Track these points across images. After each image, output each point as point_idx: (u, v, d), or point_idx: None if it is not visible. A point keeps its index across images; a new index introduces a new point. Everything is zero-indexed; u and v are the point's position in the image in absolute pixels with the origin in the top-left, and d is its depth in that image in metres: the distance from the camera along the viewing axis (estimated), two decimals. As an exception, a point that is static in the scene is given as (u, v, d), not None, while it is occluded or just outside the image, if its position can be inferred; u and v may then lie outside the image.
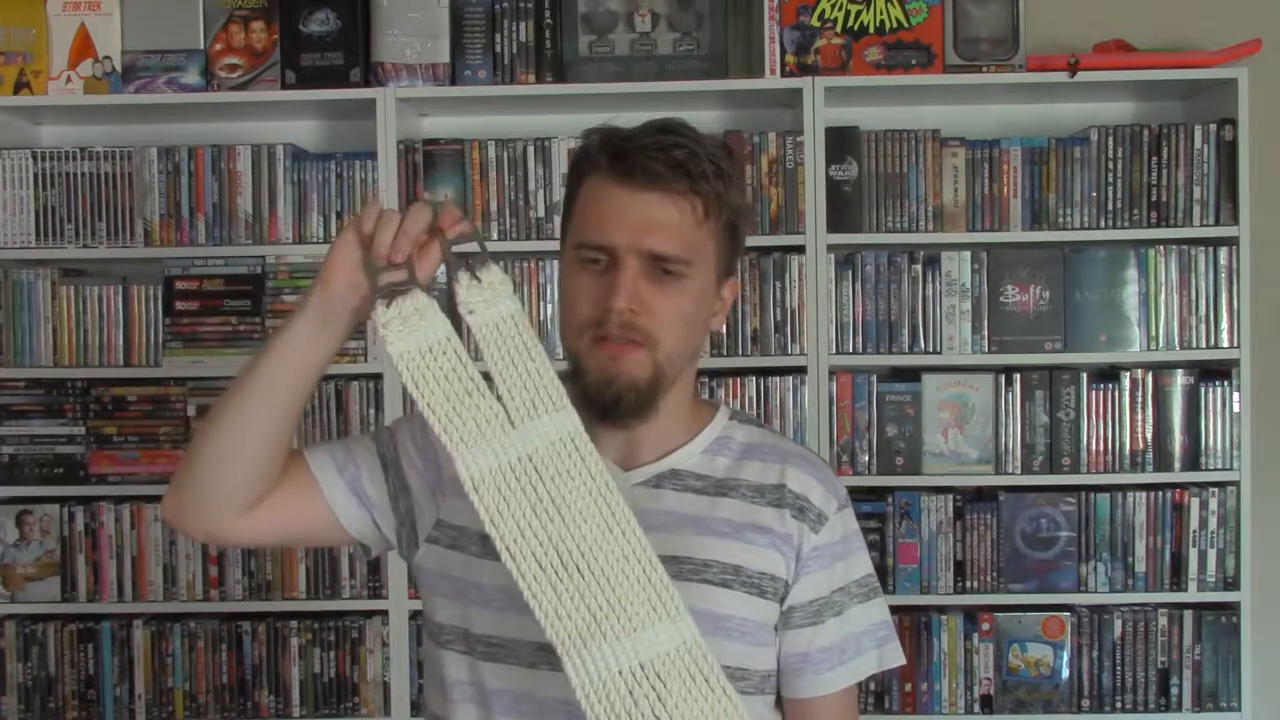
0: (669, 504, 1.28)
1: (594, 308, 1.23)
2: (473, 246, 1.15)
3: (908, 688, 2.59)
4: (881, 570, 2.55)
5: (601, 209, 1.24)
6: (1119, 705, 2.58)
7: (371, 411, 2.58)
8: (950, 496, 2.59)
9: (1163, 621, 2.58)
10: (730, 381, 2.57)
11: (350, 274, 1.15)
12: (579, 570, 1.08)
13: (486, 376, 1.13)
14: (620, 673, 1.07)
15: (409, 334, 1.12)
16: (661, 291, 1.23)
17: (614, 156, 1.24)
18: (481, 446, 1.10)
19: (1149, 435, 2.58)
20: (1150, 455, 2.58)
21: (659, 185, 1.23)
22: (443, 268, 1.15)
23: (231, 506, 1.24)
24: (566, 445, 1.11)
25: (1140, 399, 2.58)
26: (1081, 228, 2.58)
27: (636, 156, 1.23)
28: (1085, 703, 2.58)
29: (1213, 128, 2.57)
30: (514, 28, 2.60)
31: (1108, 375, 2.60)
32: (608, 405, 1.23)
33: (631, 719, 1.06)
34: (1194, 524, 2.56)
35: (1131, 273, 2.59)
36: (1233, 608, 2.57)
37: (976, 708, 2.59)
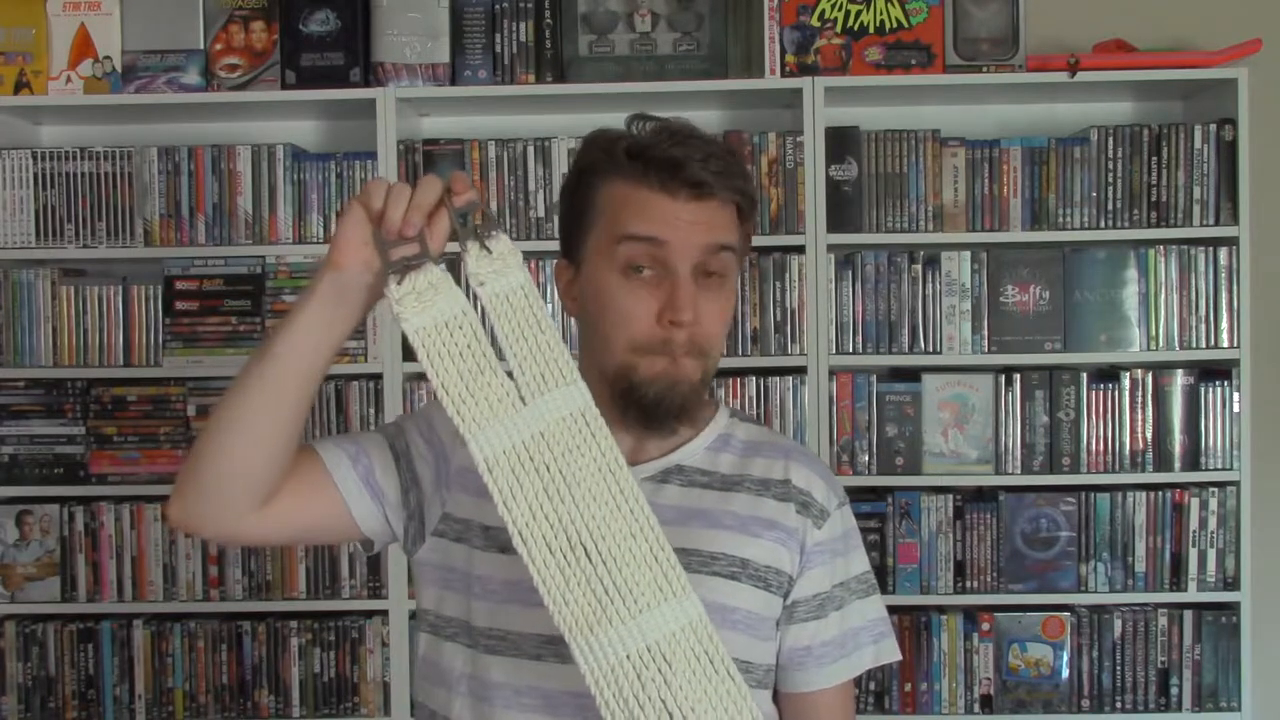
0: (675, 498, 1.29)
1: (653, 323, 1.23)
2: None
3: (908, 688, 2.59)
4: (881, 570, 2.55)
5: (651, 215, 1.23)
6: (1119, 705, 2.58)
7: (371, 411, 2.58)
8: (950, 496, 2.59)
9: (1163, 621, 2.58)
10: (730, 381, 2.56)
11: (362, 251, 1.12)
12: (586, 552, 1.08)
13: (497, 349, 1.12)
14: (629, 657, 1.07)
15: (424, 309, 1.10)
16: (709, 297, 1.25)
17: (671, 167, 1.23)
18: (495, 427, 1.09)
19: (1149, 435, 2.58)
20: (1150, 455, 2.58)
21: (709, 193, 1.24)
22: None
23: (244, 504, 1.21)
24: (577, 420, 1.11)
25: (1140, 399, 2.58)
26: (1081, 228, 2.58)
27: (694, 167, 1.23)
28: (1085, 703, 2.58)
29: (1213, 128, 2.57)
30: (514, 28, 2.60)
31: (1108, 375, 2.60)
32: (673, 412, 1.24)
33: (639, 702, 1.06)
34: (1194, 524, 2.56)
35: (1131, 273, 2.59)
36: (1233, 608, 2.57)
37: (976, 708, 2.59)
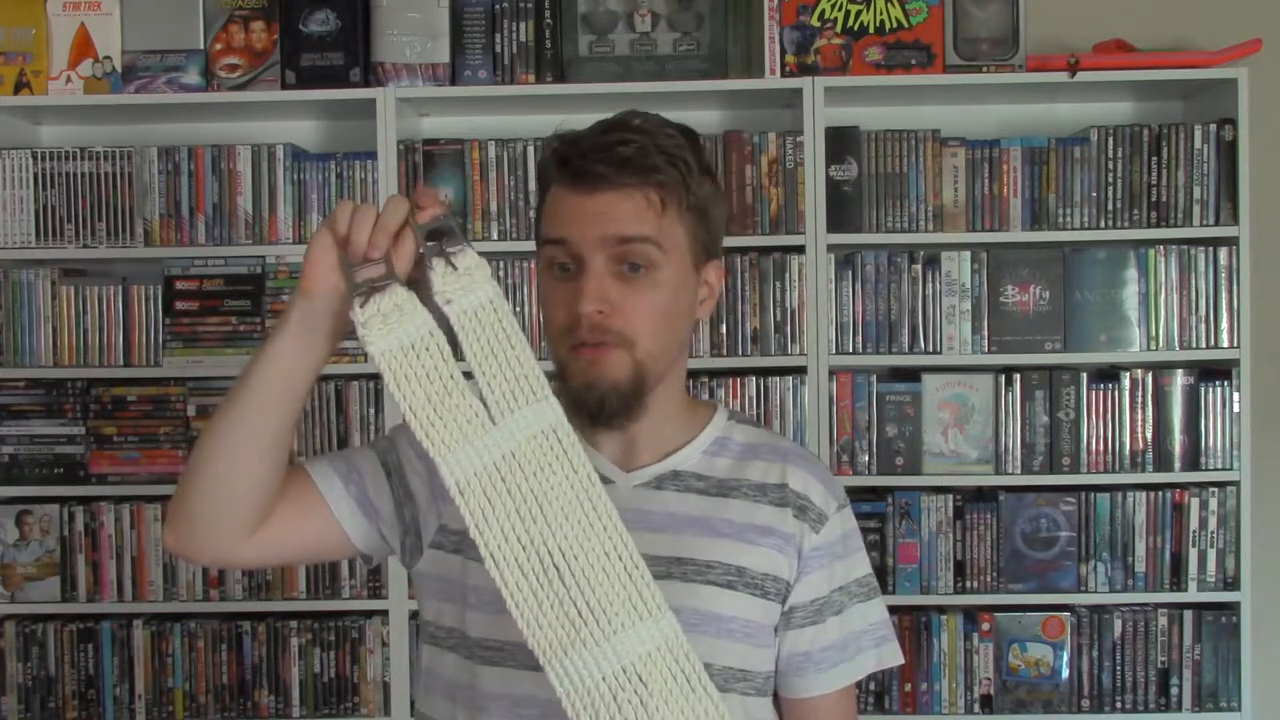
0: (671, 505, 1.28)
1: (566, 315, 1.22)
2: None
3: (908, 688, 2.59)
4: (881, 570, 2.55)
5: (559, 214, 1.24)
6: (1119, 705, 2.58)
7: (371, 411, 2.58)
8: (950, 496, 2.59)
9: (1163, 621, 2.58)
10: (730, 381, 2.56)
11: (330, 277, 1.12)
12: (559, 573, 1.07)
13: (467, 372, 1.11)
14: (604, 679, 1.06)
15: (389, 332, 1.09)
16: (631, 289, 1.22)
17: (561, 164, 1.25)
18: (464, 448, 1.08)
19: (1149, 435, 2.58)
20: (1150, 455, 2.58)
21: (608, 185, 1.22)
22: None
23: (236, 530, 1.21)
24: (549, 437, 1.10)
25: (1140, 399, 2.58)
26: (1081, 228, 2.58)
27: (581, 161, 1.23)
28: (1085, 703, 2.58)
29: (1213, 128, 2.57)
30: (514, 28, 2.60)
31: (1108, 375, 2.60)
32: (593, 409, 1.23)
33: None
34: (1194, 524, 2.56)
35: (1131, 273, 2.59)
36: (1233, 608, 2.57)
37: (976, 708, 2.59)
